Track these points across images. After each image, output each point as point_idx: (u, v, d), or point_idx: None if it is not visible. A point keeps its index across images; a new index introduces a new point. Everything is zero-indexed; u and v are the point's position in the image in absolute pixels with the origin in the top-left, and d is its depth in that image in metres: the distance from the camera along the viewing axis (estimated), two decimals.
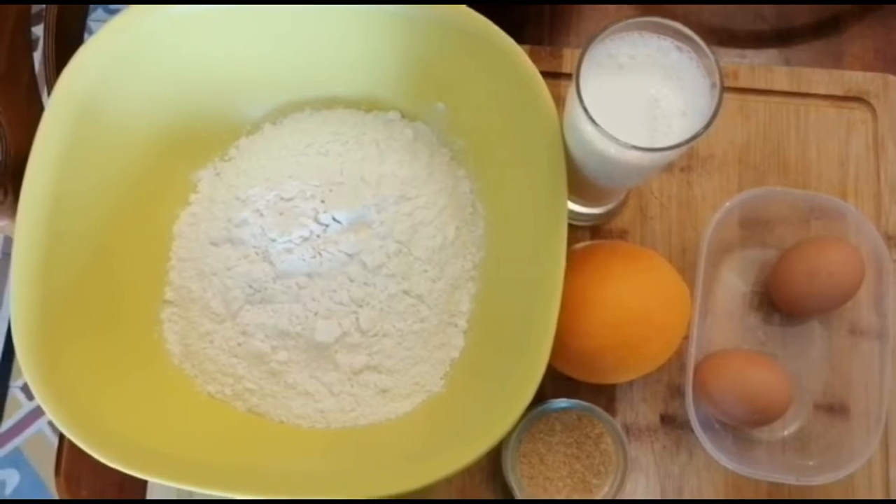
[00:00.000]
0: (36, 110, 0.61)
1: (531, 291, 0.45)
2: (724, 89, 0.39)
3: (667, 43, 0.41)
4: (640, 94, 0.40)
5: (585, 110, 0.39)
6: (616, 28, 0.40)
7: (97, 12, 1.33)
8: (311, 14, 0.49)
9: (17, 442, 1.18)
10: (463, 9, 0.47)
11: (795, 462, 0.50)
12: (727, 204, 0.50)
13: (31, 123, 0.60)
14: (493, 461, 0.51)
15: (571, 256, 0.44)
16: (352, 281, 0.49)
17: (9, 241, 1.22)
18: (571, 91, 0.40)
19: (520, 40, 0.48)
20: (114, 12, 1.32)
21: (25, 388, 1.17)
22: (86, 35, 0.71)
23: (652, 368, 0.48)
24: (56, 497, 0.54)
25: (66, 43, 0.66)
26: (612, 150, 0.39)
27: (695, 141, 0.38)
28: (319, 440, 0.49)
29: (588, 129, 0.39)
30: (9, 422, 1.18)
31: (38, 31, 0.68)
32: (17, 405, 1.18)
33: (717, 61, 0.39)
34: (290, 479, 0.44)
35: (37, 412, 1.16)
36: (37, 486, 1.16)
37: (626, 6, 0.60)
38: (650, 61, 0.41)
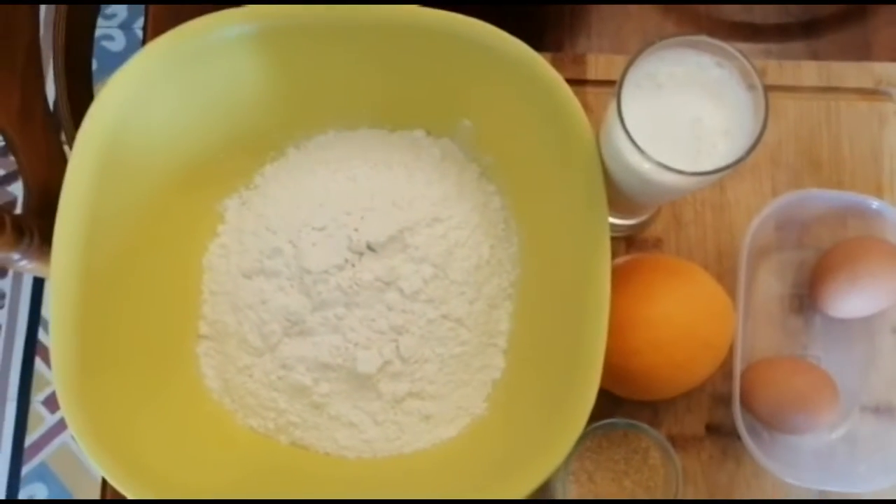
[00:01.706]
0: (54, 143, 0.60)
1: (575, 312, 0.44)
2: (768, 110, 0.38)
3: (706, 59, 0.40)
4: (682, 114, 0.40)
5: (629, 136, 0.38)
6: (654, 48, 0.39)
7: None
8: (330, 34, 0.48)
9: (42, 456, 1.18)
10: (485, 25, 0.46)
11: (845, 467, 0.49)
12: (765, 210, 0.49)
13: (50, 158, 0.60)
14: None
15: (612, 274, 0.43)
16: (390, 309, 0.48)
17: (17, 277, 1.21)
18: (611, 113, 0.39)
19: (540, 47, 0.47)
20: (109, 17, 1.30)
21: (47, 403, 1.17)
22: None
23: (699, 383, 0.47)
24: None
25: (76, 57, 0.65)
26: (656, 174, 0.39)
27: (743, 161, 0.38)
28: (366, 471, 0.49)
29: (632, 153, 0.38)
30: (32, 436, 1.18)
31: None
32: (40, 420, 1.18)
33: (764, 89, 0.38)
34: None
35: (60, 426, 1.16)
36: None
37: (648, 7, 0.59)
38: (690, 79, 0.40)
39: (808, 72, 0.56)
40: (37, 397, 1.18)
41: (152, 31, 0.59)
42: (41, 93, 0.59)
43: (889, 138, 0.55)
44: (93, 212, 0.45)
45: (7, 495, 1.16)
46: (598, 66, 0.56)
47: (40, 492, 1.17)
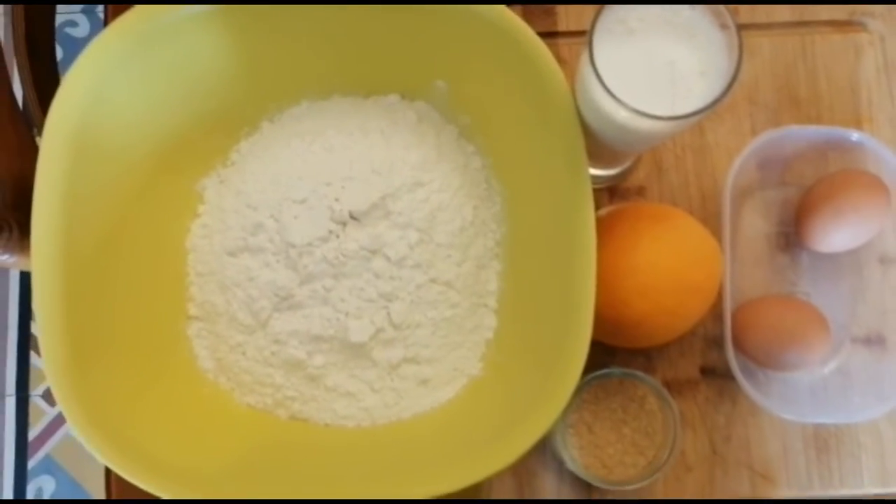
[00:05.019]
0: (24, 135, 0.59)
1: (562, 266, 0.44)
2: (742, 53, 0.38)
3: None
4: (655, 59, 0.39)
5: (604, 85, 0.37)
6: None
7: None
8: (293, 6, 0.47)
9: (46, 448, 1.18)
10: None
11: (839, 399, 0.50)
12: (745, 150, 0.49)
13: (21, 147, 0.59)
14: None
15: (597, 225, 0.43)
16: (378, 276, 0.48)
17: (4, 273, 1.20)
18: (584, 63, 0.39)
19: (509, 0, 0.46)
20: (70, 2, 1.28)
21: (46, 396, 1.17)
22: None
23: (691, 327, 0.47)
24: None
25: (39, 45, 0.64)
26: (633, 121, 0.38)
27: (722, 100, 0.37)
28: (367, 438, 0.49)
29: (607, 102, 0.38)
30: (35, 430, 1.18)
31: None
32: (41, 413, 1.18)
33: (736, 26, 0.38)
34: (344, 483, 0.44)
35: (61, 418, 1.17)
36: (74, 490, 1.17)
37: None
38: (661, 21, 0.39)
39: (781, 8, 0.55)
40: (35, 391, 1.18)
41: (112, 12, 0.58)
42: (6, 84, 0.58)
43: (865, 68, 0.55)
44: (69, 199, 0.44)
45: (15, 489, 1.16)
46: (568, 16, 0.56)
47: (48, 484, 1.17)
